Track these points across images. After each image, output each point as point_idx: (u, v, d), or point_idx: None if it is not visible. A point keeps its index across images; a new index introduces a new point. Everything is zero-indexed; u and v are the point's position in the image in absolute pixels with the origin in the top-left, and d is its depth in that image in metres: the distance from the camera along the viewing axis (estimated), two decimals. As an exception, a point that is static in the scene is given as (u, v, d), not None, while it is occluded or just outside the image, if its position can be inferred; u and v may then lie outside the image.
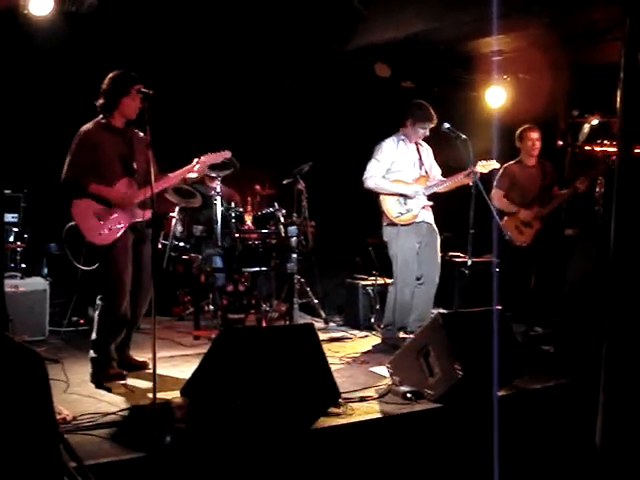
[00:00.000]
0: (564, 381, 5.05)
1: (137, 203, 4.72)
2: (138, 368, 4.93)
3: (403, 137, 6.04)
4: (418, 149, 6.10)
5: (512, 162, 6.76)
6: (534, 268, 6.65)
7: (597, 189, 7.52)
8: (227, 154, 5.09)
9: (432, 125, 5.89)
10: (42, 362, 2.78)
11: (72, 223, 4.75)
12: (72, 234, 4.78)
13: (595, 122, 8.56)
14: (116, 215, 4.66)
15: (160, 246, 6.61)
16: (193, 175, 4.97)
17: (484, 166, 5.81)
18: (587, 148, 8.75)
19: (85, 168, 4.59)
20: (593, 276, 6.90)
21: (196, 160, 4.92)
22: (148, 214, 4.70)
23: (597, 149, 8.83)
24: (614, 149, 8.94)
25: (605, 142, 8.88)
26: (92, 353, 4.69)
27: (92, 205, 4.61)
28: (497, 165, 6.03)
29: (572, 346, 5.85)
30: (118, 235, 4.64)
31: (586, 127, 8.56)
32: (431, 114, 5.86)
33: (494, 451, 3.95)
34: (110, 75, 4.72)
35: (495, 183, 6.68)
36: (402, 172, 5.97)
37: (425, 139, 6.14)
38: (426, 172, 6.08)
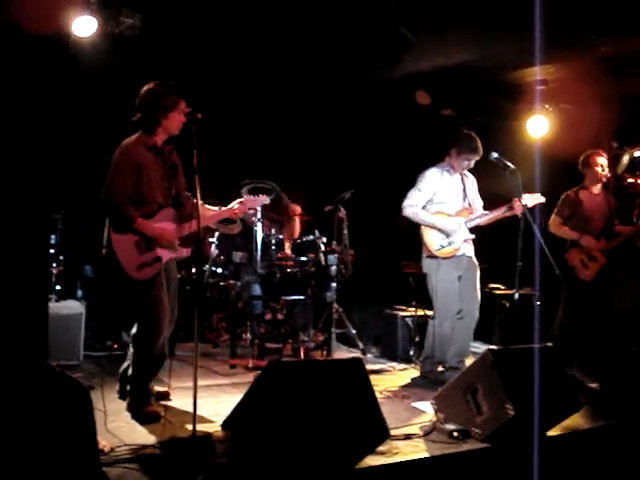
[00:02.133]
0: (612, 422, 4.88)
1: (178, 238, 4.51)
2: (159, 399, 4.75)
3: (448, 167, 5.88)
4: (463, 180, 5.95)
5: (575, 189, 6.54)
6: (583, 301, 6.42)
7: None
8: (267, 200, 4.93)
9: (477, 158, 5.75)
10: (87, 395, 2.68)
11: (108, 251, 4.37)
12: (107, 263, 4.50)
13: (638, 154, 8.41)
14: (157, 249, 4.38)
15: (194, 270, 6.53)
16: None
17: (529, 199, 5.65)
18: (630, 180, 8.59)
19: (129, 193, 4.27)
20: (636, 312, 6.72)
21: (237, 201, 4.75)
22: (186, 252, 4.52)
23: (640, 181, 8.66)
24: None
25: (646, 175, 8.71)
26: (129, 387, 4.51)
27: (133, 236, 4.32)
28: (543, 199, 5.79)
29: (618, 385, 5.66)
30: (158, 270, 4.38)
31: (625, 158, 8.42)
32: (477, 146, 5.70)
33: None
34: (149, 87, 4.39)
35: (555, 210, 6.48)
36: (445, 204, 5.83)
37: (470, 168, 5.99)
38: (469, 204, 5.94)
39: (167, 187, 4.48)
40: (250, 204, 4.83)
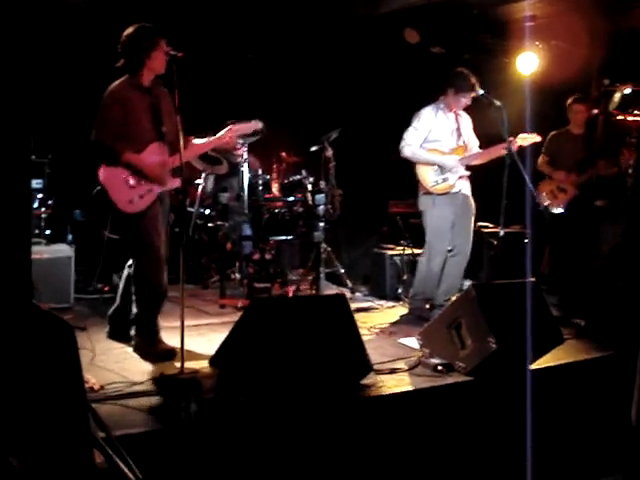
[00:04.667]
0: (596, 355, 4.96)
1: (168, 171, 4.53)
2: None
3: (442, 106, 5.85)
4: (457, 119, 5.91)
5: (558, 131, 6.79)
6: (566, 237, 6.57)
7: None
8: (258, 125, 4.86)
9: (474, 95, 5.71)
10: (71, 330, 2.71)
11: (100, 188, 4.47)
12: (100, 199, 4.52)
13: (628, 91, 8.38)
14: (147, 181, 4.44)
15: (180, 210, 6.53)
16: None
17: (524, 139, 5.66)
18: (619, 117, 8.57)
19: (117, 132, 4.34)
20: (622, 248, 6.78)
21: (226, 129, 4.69)
22: (177, 182, 4.52)
23: (630, 119, 8.64)
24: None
25: (636, 112, 8.69)
26: (137, 327, 4.55)
27: (122, 171, 4.38)
28: (538, 138, 5.85)
29: (603, 320, 5.74)
30: (150, 202, 4.43)
31: (617, 96, 8.37)
32: (473, 84, 5.65)
33: (527, 426, 3.88)
34: (128, 32, 4.42)
35: (543, 149, 6.74)
36: (440, 142, 5.81)
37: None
38: (464, 142, 5.92)
39: (156, 123, 4.50)
40: (240, 130, 4.79)
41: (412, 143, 5.76)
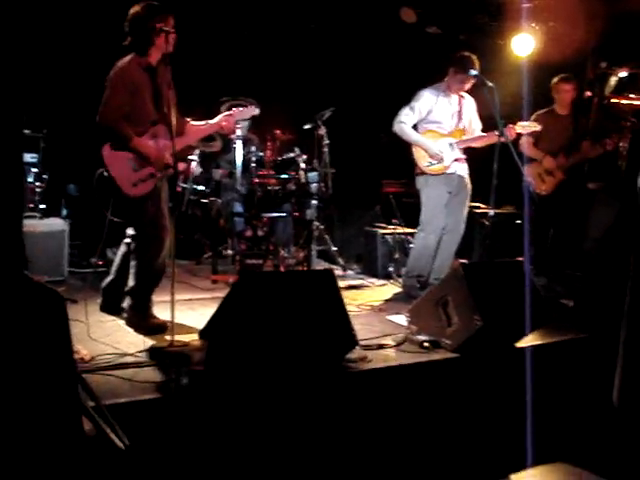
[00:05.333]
0: (583, 335, 5.02)
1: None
2: None
3: (444, 88, 5.89)
4: (460, 101, 5.95)
5: (543, 110, 6.69)
6: (553, 219, 6.61)
7: (621, 143, 7.40)
8: (256, 110, 4.87)
9: (474, 80, 5.72)
10: (62, 301, 2.76)
11: (103, 170, 4.39)
12: (103, 181, 4.41)
13: (624, 74, 8.38)
14: (151, 166, 4.43)
15: (179, 189, 6.57)
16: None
17: (524, 127, 5.75)
18: (614, 100, 8.57)
19: (126, 113, 4.29)
20: (614, 231, 6.83)
21: (225, 114, 4.70)
22: (181, 166, 4.53)
23: (624, 102, 8.65)
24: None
25: (632, 95, 8.69)
26: (129, 301, 4.59)
27: (127, 154, 4.36)
28: (538, 127, 5.91)
29: (592, 301, 5.80)
30: (153, 185, 4.44)
31: (613, 79, 8.38)
32: (474, 66, 5.66)
33: (527, 402, 3.93)
34: (136, 10, 4.35)
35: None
36: (440, 124, 5.85)
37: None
38: (464, 126, 5.96)
39: (158, 104, 4.49)
40: (239, 115, 4.80)
41: (405, 121, 5.79)
